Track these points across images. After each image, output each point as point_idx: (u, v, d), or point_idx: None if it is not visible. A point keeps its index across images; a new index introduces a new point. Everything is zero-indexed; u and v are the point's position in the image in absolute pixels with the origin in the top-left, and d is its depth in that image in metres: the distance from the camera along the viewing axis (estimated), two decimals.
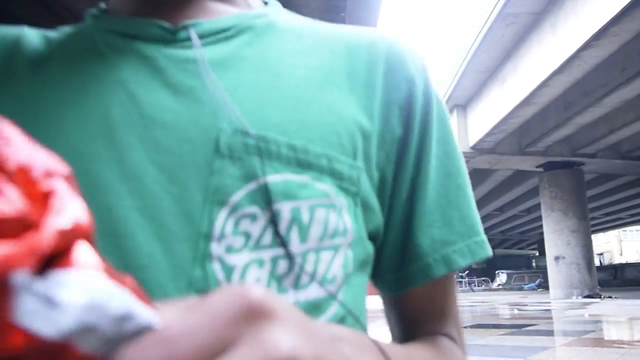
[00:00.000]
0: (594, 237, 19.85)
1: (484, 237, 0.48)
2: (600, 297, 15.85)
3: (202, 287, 0.35)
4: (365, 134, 0.42)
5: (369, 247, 0.43)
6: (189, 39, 0.41)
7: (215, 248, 0.36)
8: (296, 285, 0.37)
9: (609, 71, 10.54)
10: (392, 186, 0.45)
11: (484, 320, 12.04)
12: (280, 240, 0.36)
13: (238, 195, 0.36)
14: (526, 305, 15.96)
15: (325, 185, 0.39)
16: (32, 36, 0.45)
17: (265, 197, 0.36)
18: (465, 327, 10.24)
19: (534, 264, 41.10)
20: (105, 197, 0.36)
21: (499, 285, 30.82)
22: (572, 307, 13.66)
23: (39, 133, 0.35)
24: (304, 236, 0.37)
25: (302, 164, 0.38)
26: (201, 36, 0.41)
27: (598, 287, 16.74)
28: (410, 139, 0.45)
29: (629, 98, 11.50)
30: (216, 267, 0.35)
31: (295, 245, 0.37)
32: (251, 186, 0.37)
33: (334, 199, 0.39)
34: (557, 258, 16.62)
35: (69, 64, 0.41)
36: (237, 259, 0.36)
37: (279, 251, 0.37)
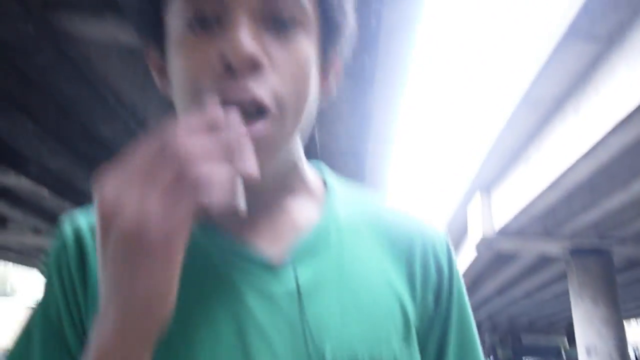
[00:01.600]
0: (627, 326, 18.99)
1: None
2: None
3: None
4: (410, 316, 0.55)
5: None
6: (290, 268, 0.52)
7: None
8: None
9: (635, 156, 10.56)
10: (424, 345, 0.57)
11: None
12: None
13: None
14: None
15: None
16: None
17: None
18: None
19: (563, 355, 39.19)
20: None
21: None
22: None
23: (176, 345, 0.46)
24: None
25: None
26: (294, 260, 0.52)
27: None
28: (439, 313, 0.59)
29: None
30: None
31: None
32: None
33: None
34: (588, 350, 15.90)
35: (190, 277, 0.46)
36: None
37: None
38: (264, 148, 0.46)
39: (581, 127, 10.10)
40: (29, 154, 9.40)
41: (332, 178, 0.63)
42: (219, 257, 0.51)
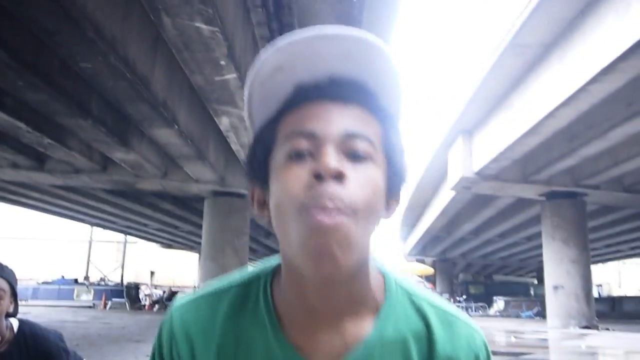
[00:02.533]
0: (593, 268, 19.81)
1: None
2: (597, 329, 15.82)
3: None
4: None
5: None
6: None
7: None
8: None
9: (614, 105, 10.69)
10: None
11: None
12: None
13: None
14: (523, 333, 15.94)
15: None
16: (205, 319, 0.68)
17: None
18: None
19: (532, 292, 40.94)
20: None
21: (496, 311, 30.69)
22: (569, 338, 13.65)
23: None
24: None
25: None
26: None
27: (596, 318, 16.71)
28: None
29: (634, 132, 11.64)
30: None
31: None
32: None
33: None
34: (555, 287, 16.63)
35: None
36: None
37: None
38: (344, 239, 0.57)
39: (565, 74, 10.13)
40: (5, 86, 9.15)
41: (393, 286, 0.69)
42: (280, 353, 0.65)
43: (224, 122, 10.18)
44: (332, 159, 0.58)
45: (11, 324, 1.74)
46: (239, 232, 16.44)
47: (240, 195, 15.96)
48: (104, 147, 12.51)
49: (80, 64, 8.31)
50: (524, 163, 15.45)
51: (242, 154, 12.50)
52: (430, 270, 30.76)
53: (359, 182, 0.59)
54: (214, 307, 0.68)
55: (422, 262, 35.72)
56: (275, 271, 0.69)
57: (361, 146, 0.61)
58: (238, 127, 10.37)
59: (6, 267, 1.75)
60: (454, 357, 0.66)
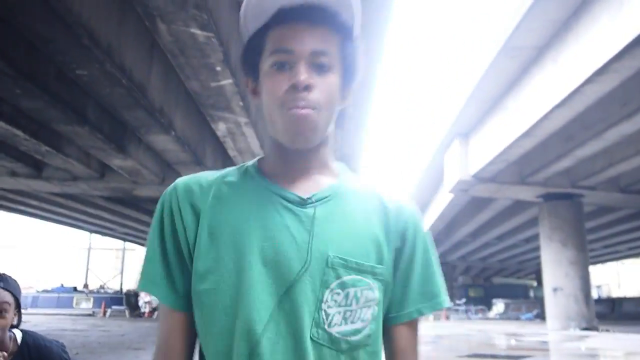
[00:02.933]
0: (592, 269, 19.82)
1: (444, 297, 0.94)
2: (597, 330, 15.82)
3: (315, 318, 0.82)
4: (383, 247, 0.88)
5: (384, 304, 0.89)
6: (311, 204, 0.87)
7: (323, 305, 0.83)
8: (353, 321, 0.84)
9: (609, 106, 10.74)
10: (396, 273, 0.90)
11: (481, 349, 12.02)
12: (348, 304, 0.84)
13: (334, 285, 0.83)
14: (523, 335, 15.93)
15: (369, 280, 0.85)
16: (207, 182, 0.91)
17: (343, 286, 0.84)
18: (462, 357, 10.25)
19: (531, 294, 40.94)
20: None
21: (496, 314, 30.66)
22: (569, 340, 13.64)
23: (242, 230, 0.85)
24: (357, 301, 0.85)
25: (359, 270, 0.85)
26: (315, 201, 0.87)
27: (596, 319, 16.71)
28: (404, 249, 0.90)
29: (629, 133, 11.68)
30: (322, 313, 0.83)
31: (354, 305, 0.84)
32: (339, 281, 0.84)
33: (372, 285, 0.86)
34: (555, 289, 16.64)
35: (248, 201, 0.88)
36: (330, 310, 0.83)
37: (348, 307, 0.84)
38: (312, 125, 0.84)
39: (559, 76, 10.18)
40: (1, 94, 9.17)
41: (347, 169, 0.97)
42: (270, 193, 0.89)
43: (220, 128, 10.21)
44: (303, 74, 0.83)
45: (15, 336, 1.75)
46: None
47: None
48: (101, 154, 12.51)
49: (76, 71, 8.32)
50: (521, 165, 15.49)
51: (239, 160, 12.51)
52: None
53: (322, 88, 0.84)
54: (213, 175, 0.93)
55: None
56: (259, 159, 0.97)
57: (324, 60, 0.85)
58: (235, 132, 10.40)
59: (11, 278, 1.76)
60: (401, 209, 0.92)
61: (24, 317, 1.86)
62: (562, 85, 10.06)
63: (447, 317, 26.37)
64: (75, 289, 29.46)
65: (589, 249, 18.56)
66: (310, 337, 0.81)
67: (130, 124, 11.28)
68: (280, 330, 0.80)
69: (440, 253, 25.53)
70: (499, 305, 31.52)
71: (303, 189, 0.88)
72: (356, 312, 0.84)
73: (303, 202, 0.86)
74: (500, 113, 13.35)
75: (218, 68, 7.40)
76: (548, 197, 16.80)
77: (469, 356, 10.39)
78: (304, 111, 0.82)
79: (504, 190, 16.78)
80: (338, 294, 0.83)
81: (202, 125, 11.24)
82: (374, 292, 0.85)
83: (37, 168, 14.75)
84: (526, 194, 17.04)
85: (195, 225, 0.87)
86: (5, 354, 1.64)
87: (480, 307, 32.25)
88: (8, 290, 1.70)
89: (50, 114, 9.78)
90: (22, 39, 7.65)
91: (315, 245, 0.83)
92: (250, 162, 0.96)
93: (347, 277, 0.83)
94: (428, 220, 27.81)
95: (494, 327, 19.97)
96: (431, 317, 25.43)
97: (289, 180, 0.89)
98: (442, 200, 22.47)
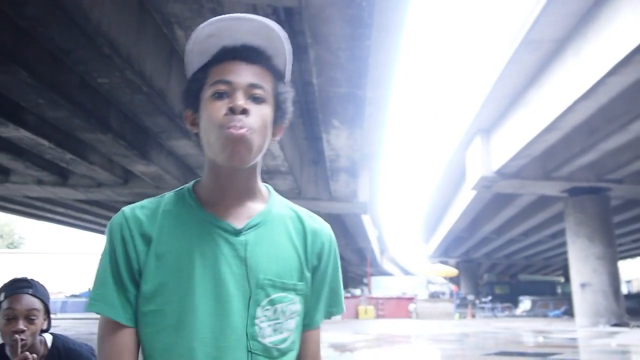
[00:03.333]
0: (621, 263, 19.40)
1: (342, 307, 1.10)
2: (628, 326, 15.49)
3: (250, 332, 0.94)
4: (304, 266, 1.02)
5: (303, 315, 1.03)
6: (244, 232, 0.98)
7: (256, 321, 0.95)
8: (281, 331, 0.97)
9: (634, 98, 10.52)
10: (312, 287, 1.04)
11: (508, 347, 11.88)
12: (276, 317, 0.97)
13: (264, 302, 0.96)
14: (551, 332, 15.69)
15: (293, 296, 0.99)
16: (151, 210, 1.00)
17: (272, 303, 0.96)
18: (489, 355, 10.14)
19: (559, 291, 40.32)
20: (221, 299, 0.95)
21: (522, 311, 30.25)
22: (598, 336, 13.39)
23: (181, 267, 0.94)
24: (284, 314, 0.98)
25: (284, 288, 0.98)
26: (245, 229, 0.98)
27: (626, 315, 16.38)
28: (319, 267, 1.05)
29: None
30: (256, 327, 0.94)
31: (281, 318, 0.97)
32: (268, 299, 0.96)
33: (295, 299, 1.00)
34: (582, 285, 16.35)
35: (189, 232, 0.98)
36: (263, 324, 0.95)
37: (277, 320, 0.97)
38: (247, 144, 0.93)
39: (581, 69, 10.01)
40: (26, 105, 9.37)
41: (274, 192, 1.09)
42: (208, 224, 0.99)
43: None
44: (241, 100, 0.94)
45: (45, 340, 1.80)
46: None
47: None
48: (124, 161, 12.70)
49: (98, 79, 8.46)
50: (544, 160, 15.27)
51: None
52: (454, 272, 30.51)
53: (256, 115, 0.95)
54: (155, 203, 1.01)
55: (446, 263, 35.45)
56: (194, 184, 1.05)
57: (259, 92, 0.96)
58: None
59: (39, 284, 1.82)
60: (317, 231, 1.06)
61: (53, 322, 1.90)
62: (585, 78, 9.89)
63: (473, 316, 26.11)
64: None
65: (617, 244, 18.16)
66: (247, 349, 0.94)
67: (151, 130, 11.42)
68: (219, 346, 0.92)
69: (465, 251, 25.47)
70: (525, 303, 31.10)
71: (236, 216, 0.99)
72: (283, 323, 0.98)
73: (237, 232, 0.98)
74: (522, 108, 13.18)
75: None
76: (573, 192, 16.53)
77: (496, 354, 10.27)
78: (240, 131, 0.92)
79: (528, 185, 16.56)
80: (268, 309, 0.96)
81: None
82: (296, 305, 1.00)
83: (62, 176, 15.03)
84: (551, 189, 16.79)
85: (145, 252, 0.96)
86: (36, 356, 1.68)
87: (506, 304, 31.85)
88: (37, 297, 1.76)
89: (74, 122, 9.97)
90: (44, 50, 7.81)
91: (249, 270, 0.96)
92: (186, 187, 1.04)
93: (275, 295, 0.97)
94: (450, 219, 27.60)
95: (521, 325, 19.71)
96: (456, 316, 25.23)
97: (224, 207, 1.00)
98: (465, 198, 22.26)
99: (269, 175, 13.62)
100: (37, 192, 16.16)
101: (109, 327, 0.95)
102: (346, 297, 26.71)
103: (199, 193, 1.02)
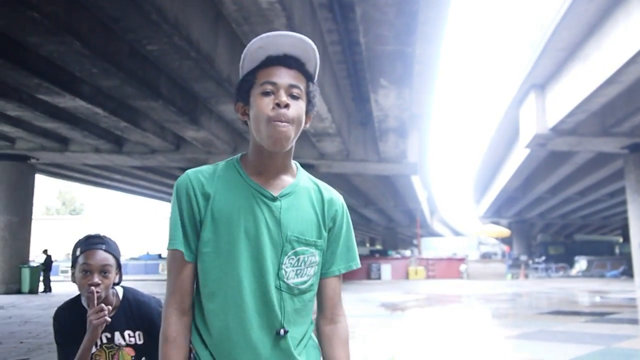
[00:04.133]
0: None
1: (357, 261, 1.38)
2: None
3: (278, 274, 1.24)
4: (322, 227, 1.30)
5: (321, 265, 1.32)
6: (279, 199, 1.26)
7: (283, 266, 1.24)
8: (302, 275, 1.27)
9: None
10: (328, 243, 1.32)
11: (563, 307, 11.68)
12: (299, 265, 1.26)
13: (290, 253, 1.25)
14: (608, 292, 15.30)
15: (313, 249, 1.28)
16: (209, 174, 1.27)
17: (296, 254, 1.26)
18: (542, 313, 10.02)
19: (617, 251, 39.06)
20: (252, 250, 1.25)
21: (578, 272, 29.56)
22: None
23: (230, 223, 1.23)
24: (305, 263, 1.27)
25: (307, 244, 1.27)
26: (280, 196, 1.26)
27: None
28: (334, 228, 1.33)
29: None
30: (282, 271, 1.24)
31: (303, 266, 1.27)
32: (293, 251, 1.25)
33: (314, 253, 1.28)
34: None
35: (237, 195, 1.25)
36: (287, 269, 1.25)
37: (299, 267, 1.26)
38: (287, 136, 1.21)
39: None
40: (81, 74, 9.64)
41: (301, 169, 1.36)
42: (251, 190, 1.25)
43: None
44: (284, 97, 1.20)
45: (117, 292, 1.94)
46: None
47: (309, 166, 16.13)
48: (175, 127, 12.97)
49: (147, 47, 8.59)
50: (603, 115, 14.58)
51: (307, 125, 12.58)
52: (506, 232, 30.00)
53: (295, 109, 1.21)
54: (212, 169, 1.29)
55: (497, 224, 34.86)
56: (241, 156, 1.32)
57: (296, 91, 1.23)
58: None
59: (111, 240, 1.95)
60: (333, 200, 1.34)
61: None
62: None
63: (526, 276, 25.74)
64: (160, 256, 31.17)
65: None
66: (275, 286, 1.23)
67: (200, 96, 11.57)
68: (255, 281, 1.22)
69: (517, 211, 25.03)
70: (581, 263, 30.33)
71: (274, 186, 1.27)
72: (304, 270, 1.27)
73: (274, 198, 1.25)
74: (579, 61, 12.55)
75: None
76: (634, 148, 15.78)
77: (550, 313, 10.12)
78: (284, 126, 1.19)
79: (585, 142, 15.91)
80: (292, 258, 1.25)
81: None
82: (315, 257, 1.28)
83: (118, 143, 15.53)
84: (610, 145, 16.07)
85: (205, 206, 1.24)
86: (110, 307, 1.82)
87: (561, 264, 31.18)
88: (109, 252, 1.89)
89: (126, 90, 10.21)
90: (95, 20, 7.97)
91: (281, 228, 1.24)
92: (235, 158, 1.31)
93: (299, 248, 1.26)
94: (502, 178, 26.98)
95: (577, 285, 19.30)
96: (509, 276, 24.95)
97: (264, 178, 1.27)
98: (518, 156, 21.65)
99: (317, 137, 13.63)
100: (94, 160, 16.79)
101: (176, 261, 1.27)
102: (396, 258, 26.83)
103: (245, 165, 1.29)
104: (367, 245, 47.24)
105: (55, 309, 1.98)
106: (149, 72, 10.02)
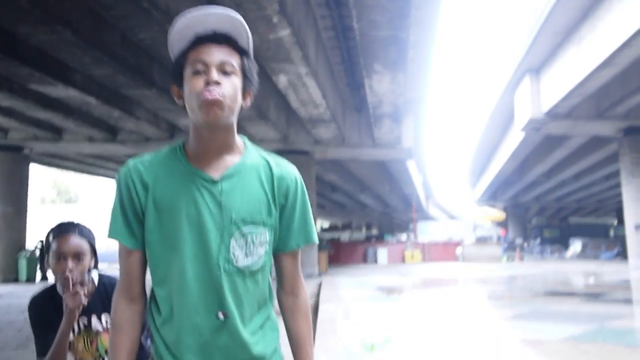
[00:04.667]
0: None
1: (314, 236, 1.36)
2: None
3: (225, 257, 1.24)
4: (271, 205, 1.29)
5: (273, 242, 1.32)
6: (219, 182, 1.25)
7: (230, 249, 1.24)
8: (251, 255, 1.26)
9: None
10: (280, 220, 1.32)
11: (558, 288, 11.78)
12: (247, 245, 1.26)
13: (236, 234, 1.24)
14: (603, 274, 15.43)
15: (262, 229, 1.27)
16: (149, 163, 1.28)
17: (243, 235, 1.25)
18: (537, 295, 10.11)
19: (611, 233, 39.28)
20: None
21: (573, 254, 29.76)
22: None
23: (168, 211, 1.24)
24: (254, 243, 1.26)
25: (255, 223, 1.26)
26: (222, 179, 1.25)
27: None
28: (287, 204, 1.32)
29: None
30: (230, 254, 1.24)
31: (251, 246, 1.26)
32: (239, 232, 1.24)
33: (264, 231, 1.28)
34: (637, 227, 15.88)
35: (178, 181, 1.25)
36: (236, 251, 1.24)
37: (248, 248, 1.26)
38: (220, 104, 1.20)
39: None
40: (73, 64, 9.55)
41: (249, 145, 1.35)
42: (191, 175, 1.25)
43: (281, 80, 10.22)
44: (214, 75, 1.20)
45: (92, 277, 1.96)
46: (306, 189, 16.66)
47: (304, 153, 16.11)
48: (169, 115, 12.91)
49: (139, 35, 8.52)
50: (598, 98, 14.59)
51: (302, 112, 12.54)
52: (502, 215, 30.13)
53: (227, 85, 1.21)
54: (153, 157, 1.29)
55: (493, 208, 35.00)
56: (183, 142, 1.31)
57: (229, 68, 1.23)
58: (296, 84, 10.38)
59: (84, 227, 1.99)
60: (283, 175, 1.32)
61: (112, 270, 2.04)
62: None
63: (521, 259, 25.92)
64: None
65: None
66: (224, 270, 1.23)
67: None
68: (200, 267, 1.23)
69: (513, 194, 25.13)
70: (576, 245, 30.51)
71: (215, 168, 1.26)
72: (253, 250, 1.26)
73: (214, 182, 1.25)
74: (574, 44, 12.51)
75: (275, 19, 7.33)
76: (629, 131, 15.81)
77: (545, 294, 10.22)
78: (214, 95, 1.19)
79: (580, 126, 15.93)
80: (239, 240, 1.24)
81: (263, 79, 11.29)
82: (265, 236, 1.28)
83: (111, 132, 15.45)
84: (605, 129, 16.10)
85: (145, 196, 1.25)
86: (85, 288, 1.84)
87: (556, 246, 31.34)
88: (83, 236, 1.91)
89: (119, 79, 10.13)
90: (85, 8, 7.88)
91: (224, 211, 1.23)
92: (177, 143, 1.31)
93: (245, 229, 1.25)
94: (498, 162, 27.04)
95: (571, 267, 19.45)
96: (504, 259, 25.12)
97: (206, 161, 1.26)
98: (513, 140, 21.68)
99: (311, 124, 13.59)
100: (89, 149, 16.72)
101: (122, 250, 1.29)
102: (391, 244, 26.96)
103: (186, 150, 1.29)
104: (364, 230, 47.41)
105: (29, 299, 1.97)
106: (141, 61, 9.94)
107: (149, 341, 1.32)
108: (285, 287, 1.37)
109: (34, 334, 1.90)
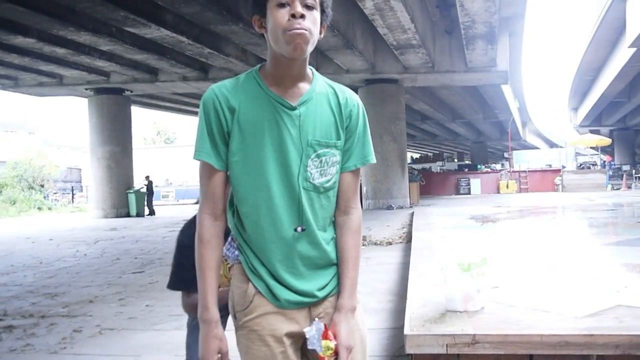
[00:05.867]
0: None
1: (372, 156, 1.46)
2: None
3: (303, 175, 1.36)
4: (339, 128, 1.41)
5: (341, 163, 1.43)
6: (297, 108, 1.36)
7: (308, 168, 1.37)
8: (325, 174, 1.39)
9: None
10: (345, 141, 1.42)
11: None
12: (322, 166, 1.39)
13: (313, 156, 1.37)
14: None
15: (332, 150, 1.40)
16: (232, 88, 1.37)
17: (318, 156, 1.38)
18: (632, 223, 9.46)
19: None
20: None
21: None
22: None
23: (253, 132, 1.36)
24: (327, 164, 1.40)
25: (327, 146, 1.39)
26: (299, 105, 1.36)
27: None
28: (351, 126, 1.43)
29: None
30: (308, 173, 1.37)
31: (325, 166, 1.39)
32: (315, 153, 1.37)
33: (335, 153, 1.40)
34: None
35: (259, 105, 1.35)
36: (312, 170, 1.37)
37: (322, 167, 1.39)
38: (305, 40, 1.28)
39: None
40: (163, 3, 9.78)
41: (317, 74, 1.44)
42: (272, 100, 1.35)
43: (368, 5, 9.88)
44: (299, 8, 1.27)
45: None
46: (395, 118, 16.40)
47: (393, 81, 15.74)
48: (257, 49, 13.02)
49: None
50: None
51: (390, 38, 12.15)
52: (606, 141, 28.18)
53: (310, 18, 1.29)
54: (234, 82, 1.38)
55: (597, 133, 32.71)
56: (259, 68, 1.39)
57: (310, 1, 1.29)
58: (383, 8, 10.00)
59: None
60: (348, 101, 1.42)
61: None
62: None
63: (629, 187, 24.30)
64: None
65: None
66: (303, 187, 1.36)
67: None
68: (283, 184, 1.35)
69: (620, 117, 23.39)
70: None
71: (292, 95, 1.36)
72: (327, 170, 1.39)
73: (293, 107, 1.35)
74: None
75: None
76: None
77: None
78: (300, 30, 1.26)
79: None
80: (315, 160, 1.37)
81: (348, 5, 10.97)
82: (336, 157, 1.41)
83: (203, 71, 15.90)
84: None
85: (231, 119, 1.35)
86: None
87: None
88: None
89: (207, 16, 10.28)
90: None
91: (302, 134, 1.35)
92: (254, 70, 1.39)
93: (320, 150, 1.37)
94: (604, 82, 24.96)
95: None
96: (609, 187, 23.71)
97: (283, 88, 1.36)
98: (622, 57, 19.84)
99: (399, 50, 13.17)
100: (183, 89, 17.38)
101: (207, 171, 1.38)
102: (485, 172, 26.19)
103: (264, 76, 1.37)
104: (455, 160, 46.33)
105: (181, 227, 2.18)
106: None
107: (236, 252, 1.42)
108: (339, 206, 1.46)
109: (181, 263, 2.06)
